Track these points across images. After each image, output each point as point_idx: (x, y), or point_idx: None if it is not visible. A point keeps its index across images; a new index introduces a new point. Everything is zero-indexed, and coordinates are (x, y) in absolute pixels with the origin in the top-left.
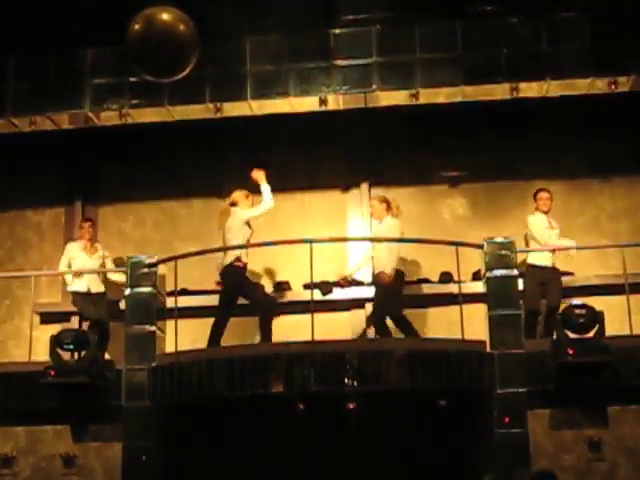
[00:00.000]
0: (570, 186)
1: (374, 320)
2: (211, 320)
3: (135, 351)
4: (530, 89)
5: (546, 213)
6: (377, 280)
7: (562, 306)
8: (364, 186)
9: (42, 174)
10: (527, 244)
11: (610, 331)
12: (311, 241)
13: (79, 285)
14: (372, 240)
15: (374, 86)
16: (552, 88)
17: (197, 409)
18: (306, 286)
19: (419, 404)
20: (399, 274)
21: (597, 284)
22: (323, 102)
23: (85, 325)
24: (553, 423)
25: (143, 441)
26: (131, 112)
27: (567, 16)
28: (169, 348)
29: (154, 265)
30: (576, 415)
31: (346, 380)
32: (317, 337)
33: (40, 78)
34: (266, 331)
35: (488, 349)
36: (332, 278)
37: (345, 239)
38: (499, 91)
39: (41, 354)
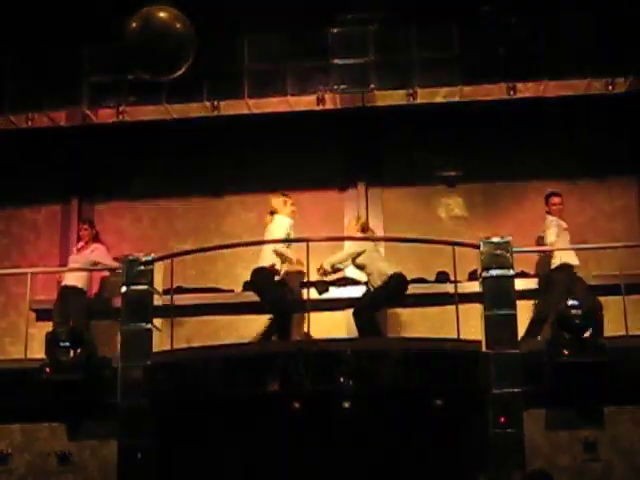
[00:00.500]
0: (567, 186)
1: (364, 318)
2: (209, 318)
3: (131, 349)
4: (527, 89)
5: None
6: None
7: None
8: (361, 186)
9: (39, 172)
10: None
11: (606, 331)
12: (308, 240)
13: (66, 280)
14: (369, 240)
15: (372, 85)
16: (549, 88)
17: (193, 407)
18: (302, 285)
19: (415, 403)
20: (399, 276)
21: (593, 284)
22: (320, 101)
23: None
24: (549, 423)
25: (138, 439)
26: (128, 110)
27: (565, 17)
28: (165, 346)
29: (150, 263)
30: (572, 415)
31: (342, 379)
32: (313, 336)
33: (38, 75)
34: (282, 332)
35: (484, 349)
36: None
37: (342, 238)
38: (497, 91)
39: (37, 351)
